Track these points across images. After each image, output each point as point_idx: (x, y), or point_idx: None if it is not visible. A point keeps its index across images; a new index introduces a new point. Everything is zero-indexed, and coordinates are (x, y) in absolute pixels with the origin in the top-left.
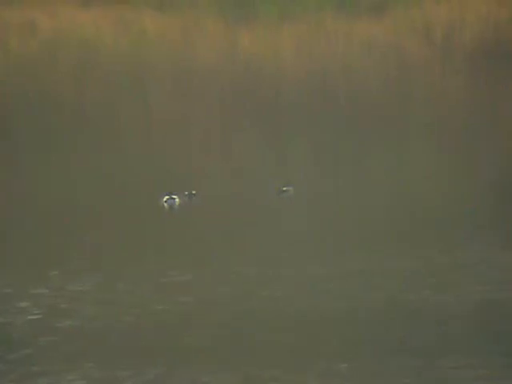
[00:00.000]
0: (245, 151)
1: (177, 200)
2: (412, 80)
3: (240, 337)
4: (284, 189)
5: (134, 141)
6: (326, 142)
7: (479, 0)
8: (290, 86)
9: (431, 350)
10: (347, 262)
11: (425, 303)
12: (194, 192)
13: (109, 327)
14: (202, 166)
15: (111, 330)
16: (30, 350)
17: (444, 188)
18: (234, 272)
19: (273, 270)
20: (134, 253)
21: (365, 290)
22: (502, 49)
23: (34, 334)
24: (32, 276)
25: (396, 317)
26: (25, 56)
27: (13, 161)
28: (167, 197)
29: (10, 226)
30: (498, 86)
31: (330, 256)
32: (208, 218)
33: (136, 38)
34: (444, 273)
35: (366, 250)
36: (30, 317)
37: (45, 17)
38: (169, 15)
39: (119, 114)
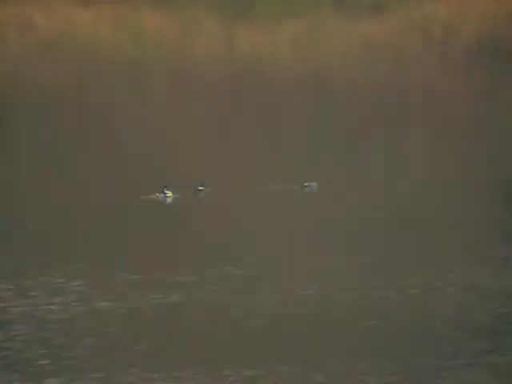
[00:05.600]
0: (241, 148)
1: (168, 195)
2: (411, 78)
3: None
4: (306, 184)
5: (133, 138)
6: (325, 140)
7: None
8: (289, 83)
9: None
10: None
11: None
12: (201, 188)
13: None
14: (200, 164)
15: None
16: None
17: (442, 187)
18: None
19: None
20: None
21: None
22: (500, 46)
23: None
24: None
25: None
26: (23, 54)
27: (9, 158)
28: (159, 192)
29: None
30: (497, 84)
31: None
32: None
33: (134, 36)
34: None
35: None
36: None
37: (43, 15)
38: (167, 13)
39: (117, 111)
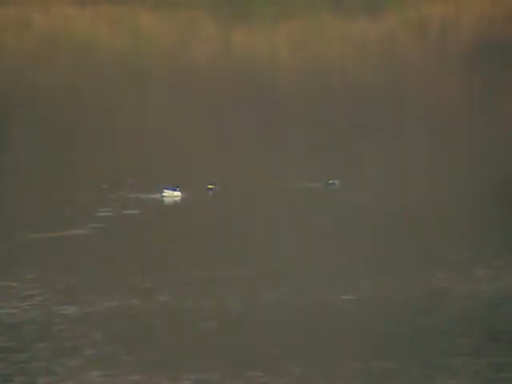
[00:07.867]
0: (239, 149)
1: (165, 194)
2: (408, 78)
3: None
4: (330, 181)
5: (130, 138)
6: (323, 141)
7: None
8: (286, 84)
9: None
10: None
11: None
12: (210, 186)
13: None
14: (200, 164)
15: None
16: None
17: (439, 187)
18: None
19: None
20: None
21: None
22: (497, 46)
23: None
24: None
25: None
26: (21, 54)
27: (5, 158)
28: (163, 191)
29: None
30: (494, 83)
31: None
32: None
33: (131, 36)
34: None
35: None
36: None
37: (40, 16)
38: (164, 14)
39: (115, 112)
